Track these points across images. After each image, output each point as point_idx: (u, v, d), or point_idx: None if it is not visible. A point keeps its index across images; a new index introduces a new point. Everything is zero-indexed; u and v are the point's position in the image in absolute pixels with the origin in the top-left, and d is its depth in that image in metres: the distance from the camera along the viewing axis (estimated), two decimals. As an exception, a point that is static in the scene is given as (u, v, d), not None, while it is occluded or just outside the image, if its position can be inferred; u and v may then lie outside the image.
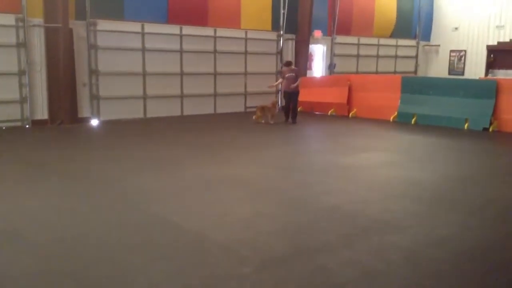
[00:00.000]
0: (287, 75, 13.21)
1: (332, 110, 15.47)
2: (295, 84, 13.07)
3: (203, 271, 3.97)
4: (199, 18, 14.85)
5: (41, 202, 5.91)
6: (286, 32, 16.89)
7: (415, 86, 14.22)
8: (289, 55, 17.22)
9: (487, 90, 12.55)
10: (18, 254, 4.33)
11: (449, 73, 21.15)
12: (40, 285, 3.78)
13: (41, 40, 12.14)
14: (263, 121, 13.07)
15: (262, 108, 13.21)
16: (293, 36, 17.28)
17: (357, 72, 19.03)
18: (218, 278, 3.86)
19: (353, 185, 6.86)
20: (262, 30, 16.41)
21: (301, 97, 13.96)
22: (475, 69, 20.19)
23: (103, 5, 12.91)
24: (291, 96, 13.24)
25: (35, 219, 5.29)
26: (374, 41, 19.95)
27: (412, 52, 21.59)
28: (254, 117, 13.20)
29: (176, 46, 14.46)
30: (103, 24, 12.95)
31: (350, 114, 15.14)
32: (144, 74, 13.89)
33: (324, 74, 18.30)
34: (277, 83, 14.63)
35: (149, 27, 13.84)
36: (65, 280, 3.84)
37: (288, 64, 13.63)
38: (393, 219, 5.34)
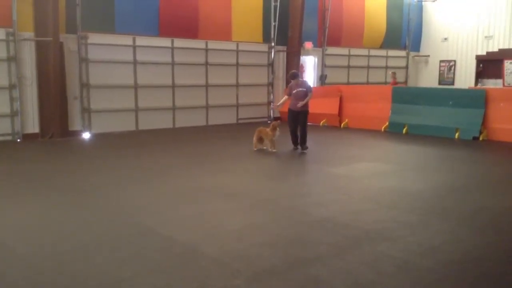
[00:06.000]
0: (294, 91, 10.38)
1: (323, 121, 15.53)
2: (303, 102, 10.23)
3: (194, 284, 3.94)
4: (190, 30, 14.92)
5: (30, 215, 5.86)
6: (277, 44, 16.99)
7: (406, 96, 14.34)
8: (281, 67, 17.30)
9: (476, 100, 12.67)
10: (5, 267, 4.28)
11: (439, 83, 21.34)
12: (29, 301, 3.74)
13: (31, 54, 12.10)
14: (264, 147, 10.52)
15: (259, 132, 10.57)
16: (284, 48, 17.39)
17: (348, 83, 19.15)
18: (210, 291, 3.83)
19: (345, 196, 6.87)
20: (253, 42, 16.49)
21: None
22: (465, 78, 20.41)
23: (94, 18, 12.93)
24: (298, 117, 10.41)
25: (23, 232, 5.23)
26: (364, 52, 20.11)
27: (402, 63, 21.78)
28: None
29: (168, 59, 14.49)
30: (94, 37, 12.95)
31: (342, 125, 15.20)
32: (136, 87, 13.89)
33: (315, 85, 18.37)
34: (282, 101, 11.15)
35: (140, 40, 13.87)
36: (54, 295, 3.80)
37: (295, 76, 10.63)
38: (385, 229, 5.34)
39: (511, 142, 11.70)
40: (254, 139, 10.52)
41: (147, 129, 13.99)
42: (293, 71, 11.45)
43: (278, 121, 10.63)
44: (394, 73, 18.50)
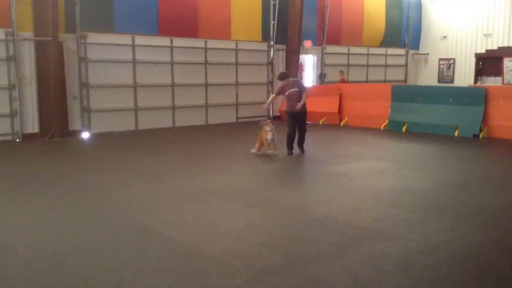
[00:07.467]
0: (287, 93, 9.90)
1: (323, 119, 15.53)
2: (301, 103, 9.71)
3: (194, 284, 3.94)
4: (190, 29, 14.90)
5: (30, 215, 5.86)
6: (276, 43, 16.96)
7: (405, 94, 14.33)
8: (280, 65, 17.27)
9: (476, 97, 12.67)
10: (6, 268, 4.29)
11: (439, 81, 21.34)
12: (29, 301, 3.74)
13: (31, 53, 12.10)
14: (260, 152, 9.89)
15: (260, 137, 9.85)
16: (284, 46, 17.36)
17: (347, 81, 19.12)
18: (210, 291, 3.84)
19: (344, 195, 6.86)
20: (252, 41, 16.48)
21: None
22: (464, 76, 20.40)
23: (93, 18, 12.92)
24: (297, 118, 9.93)
25: (24, 232, 5.23)
26: (363, 50, 20.10)
27: (402, 61, 21.77)
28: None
29: (167, 58, 14.47)
30: (94, 37, 12.94)
31: (342, 123, 15.20)
32: (135, 86, 13.88)
33: (315, 84, 18.37)
34: (269, 100, 11.16)
35: (140, 40, 13.85)
36: (54, 295, 3.80)
37: (284, 76, 10.02)
38: (385, 227, 5.34)
39: (511, 140, 11.70)
40: (257, 144, 9.92)
41: (146, 128, 13.98)
42: (282, 71, 11.14)
43: (268, 120, 9.95)
44: (341, 72, 18.23)
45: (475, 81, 19.13)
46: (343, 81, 17.92)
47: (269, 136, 9.60)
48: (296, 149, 10.14)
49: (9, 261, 4.46)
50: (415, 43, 22.14)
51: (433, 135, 12.64)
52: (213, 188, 7.18)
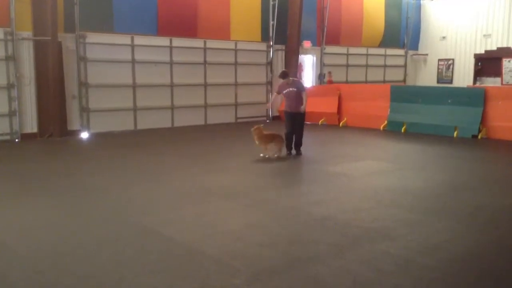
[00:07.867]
0: (285, 91, 9.91)
1: (322, 119, 15.53)
2: (303, 106, 9.78)
3: (194, 284, 3.94)
4: (189, 29, 14.90)
5: (30, 215, 5.85)
6: (275, 43, 16.97)
7: (404, 95, 14.35)
8: (279, 66, 17.26)
9: (475, 98, 12.68)
10: (6, 267, 4.28)
11: (438, 82, 21.34)
12: (29, 301, 3.73)
13: (30, 53, 12.08)
14: (261, 154, 9.70)
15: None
16: (283, 46, 17.37)
17: (346, 82, 19.14)
18: (210, 291, 3.83)
19: (344, 195, 6.87)
20: (251, 41, 16.48)
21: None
22: (463, 77, 20.42)
23: (92, 17, 12.91)
24: (295, 119, 9.84)
25: (24, 232, 5.23)
26: (363, 50, 20.11)
27: (401, 61, 21.78)
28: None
29: (166, 58, 14.47)
30: (93, 37, 12.93)
31: (341, 124, 15.20)
32: (134, 86, 13.87)
33: (314, 84, 18.37)
34: (272, 99, 11.16)
35: (139, 39, 13.84)
36: (54, 295, 3.79)
37: (285, 75, 9.96)
38: (385, 227, 5.34)
39: (510, 140, 11.72)
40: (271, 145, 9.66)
41: (145, 128, 13.97)
42: (283, 70, 11.03)
43: (255, 126, 9.66)
44: (330, 72, 18.41)
45: (474, 81, 19.13)
46: (330, 82, 18.11)
47: (256, 141, 9.56)
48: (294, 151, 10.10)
49: (9, 261, 4.45)
50: (414, 43, 22.15)
51: (432, 136, 12.66)
52: (213, 188, 7.18)
